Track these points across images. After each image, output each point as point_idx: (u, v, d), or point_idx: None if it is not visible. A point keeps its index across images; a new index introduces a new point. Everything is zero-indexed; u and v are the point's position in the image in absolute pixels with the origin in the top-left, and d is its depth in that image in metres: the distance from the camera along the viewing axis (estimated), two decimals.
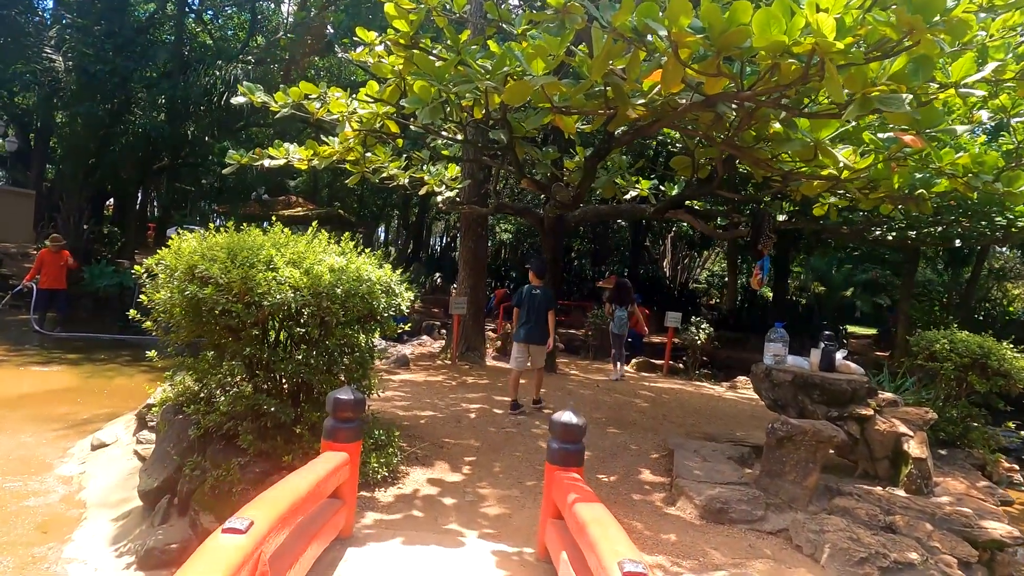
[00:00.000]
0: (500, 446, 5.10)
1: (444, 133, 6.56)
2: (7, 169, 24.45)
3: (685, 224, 25.76)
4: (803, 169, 5.75)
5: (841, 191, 6.85)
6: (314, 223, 4.38)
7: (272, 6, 23.55)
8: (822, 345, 5.14)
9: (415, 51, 5.36)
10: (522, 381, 6.27)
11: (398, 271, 4.44)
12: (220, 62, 17.35)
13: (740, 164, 6.98)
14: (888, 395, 5.17)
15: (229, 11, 23.06)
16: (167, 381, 4.54)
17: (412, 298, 4.34)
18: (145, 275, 3.97)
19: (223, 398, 3.84)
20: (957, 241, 11.70)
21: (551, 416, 3.09)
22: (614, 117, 5.25)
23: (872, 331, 25.49)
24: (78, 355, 9.28)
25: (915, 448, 4.43)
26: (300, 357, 3.72)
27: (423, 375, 7.92)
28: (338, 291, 3.60)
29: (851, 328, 23.08)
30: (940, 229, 11.21)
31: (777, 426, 4.30)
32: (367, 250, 4.67)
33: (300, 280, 3.54)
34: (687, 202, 8.64)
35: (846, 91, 4.78)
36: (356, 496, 3.29)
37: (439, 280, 21.37)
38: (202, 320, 3.69)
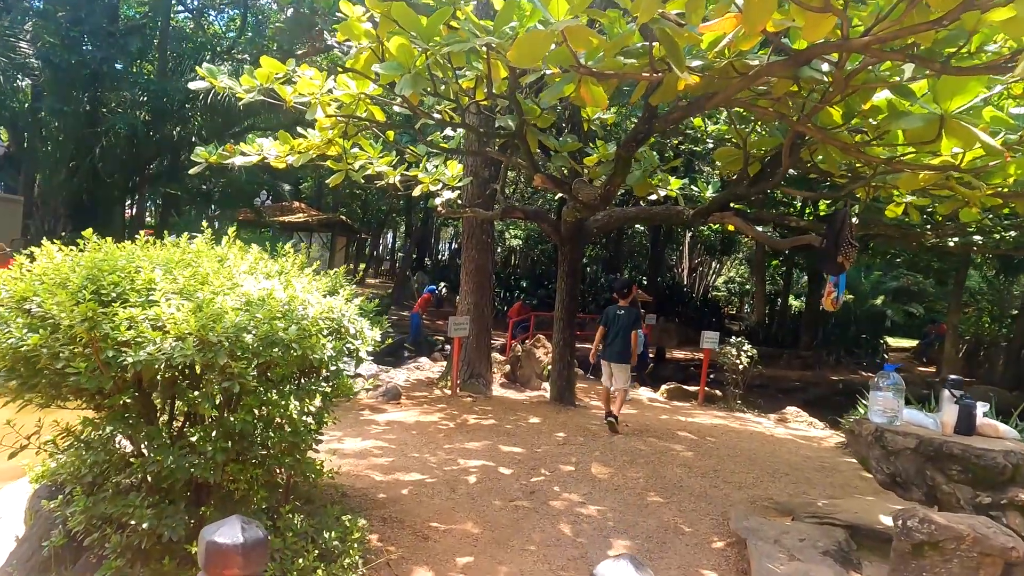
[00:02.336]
0: (507, 533, 3.74)
1: (436, 115, 5.24)
2: None
3: (704, 228, 24.37)
4: (908, 156, 4.38)
5: (937, 188, 5.48)
6: (232, 229, 3.04)
7: (273, 5, 22.43)
8: (946, 394, 3.76)
9: (394, 2, 4.05)
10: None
11: (360, 298, 3.11)
12: (209, 57, 16.22)
13: (806, 154, 5.61)
14: None
15: (224, 10, 21.95)
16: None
17: (379, 338, 3.00)
18: None
19: (82, 496, 2.52)
20: None
21: (593, 571, 1.73)
22: (659, 86, 3.93)
23: (908, 343, 23.85)
24: None
25: None
26: (195, 439, 2.39)
27: (415, 412, 6.58)
28: (247, 338, 2.28)
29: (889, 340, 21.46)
30: (1014, 234, 9.76)
31: (914, 525, 2.93)
32: (318, 267, 3.36)
33: (186, 323, 2.21)
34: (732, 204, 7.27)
35: (1006, 41, 3.40)
36: None
37: (444, 290, 20.07)
38: (42, 381, 2.38)
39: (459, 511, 3.98)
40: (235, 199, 17.77)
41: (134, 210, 20.52)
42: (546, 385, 8.30)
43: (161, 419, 2.64)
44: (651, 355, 15.72)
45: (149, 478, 2.51)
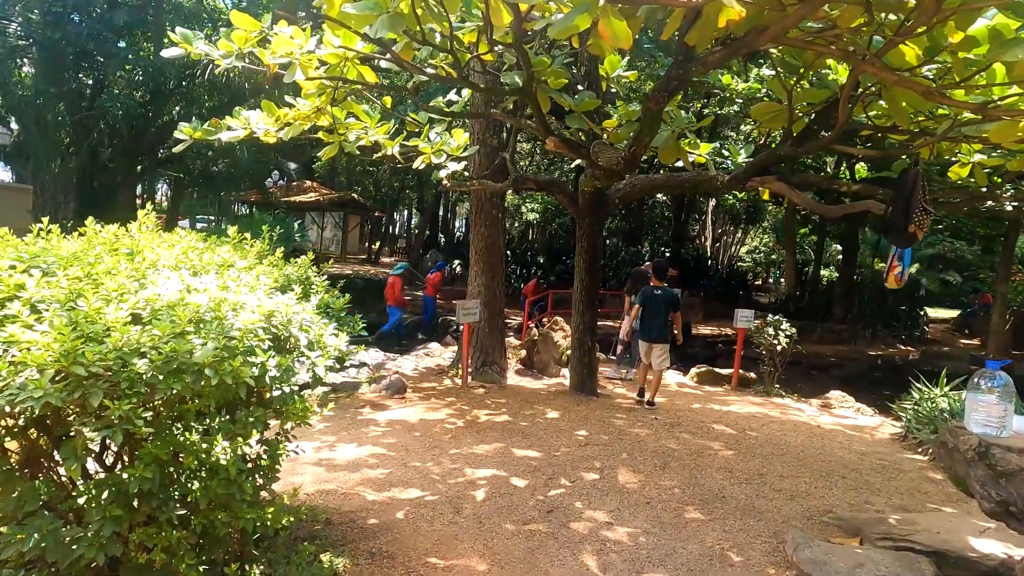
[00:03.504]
0: (521, 569, 3.11)
1: (430, 70, 4.50)
2: (9, 162, 23.19)
3: (729, 196, 23.23)
4: (1010, 99, 3.56)
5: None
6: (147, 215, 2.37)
7: None
8: None
9: None
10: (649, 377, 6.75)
11: (328, 293, 2.44)
12: (209, 32, 15.54)
13: (859, 108, 4.78)
14: None
15: None
16: None
17: (344, 346, 2.34)
18: None
19: None
20: None
21: None
22: (697, 18, 3.18)
23: (945, 313, 22.72)
24: None
25: None
26: (85, 498, 1.76)
27: (421, 408, 5.97)
28: (139, 365, 1.63)
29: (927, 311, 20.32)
30: None
31: None
32: (288, 254, 2.70)
33: (47, 347, 1.56)
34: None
35: None
36: None
37: (458, 268, 19.43)
38: None
39: (463, 539, 3.36)
40: (240, 180, 17.23)
41: (144, 194, 20.12)
42: (565, 372, 7.66)
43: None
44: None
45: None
